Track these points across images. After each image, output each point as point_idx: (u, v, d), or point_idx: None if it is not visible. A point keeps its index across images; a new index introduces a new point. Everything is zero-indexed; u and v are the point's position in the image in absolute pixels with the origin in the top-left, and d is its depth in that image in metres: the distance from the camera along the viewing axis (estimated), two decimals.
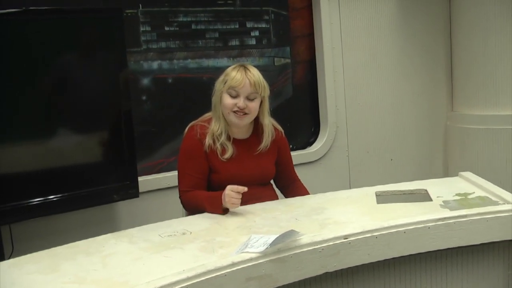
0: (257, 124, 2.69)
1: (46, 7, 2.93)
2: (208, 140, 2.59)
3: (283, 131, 2.80)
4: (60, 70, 2.93)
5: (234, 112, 2.55)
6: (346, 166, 4.23)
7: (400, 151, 4.41)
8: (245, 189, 2.39)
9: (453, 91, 4.51)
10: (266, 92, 2.63)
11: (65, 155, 2.96)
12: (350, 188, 4.08)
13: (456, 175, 2.82)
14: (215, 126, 2.60)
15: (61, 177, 2.95)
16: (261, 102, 2.63)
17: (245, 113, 2.56)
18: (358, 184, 3.66)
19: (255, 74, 2.58)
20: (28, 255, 2.09)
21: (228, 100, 2.56)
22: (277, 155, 2.76)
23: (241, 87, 2.54)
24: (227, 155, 2.60)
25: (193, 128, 2.64)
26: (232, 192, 2.39)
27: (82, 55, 3.00)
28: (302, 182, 2.90)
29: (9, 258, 2.74)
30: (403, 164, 4.42)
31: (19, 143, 2.84)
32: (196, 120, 2.69)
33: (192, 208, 2.58)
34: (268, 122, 2.67)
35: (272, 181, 2.84)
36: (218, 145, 2.59)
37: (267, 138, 2.67)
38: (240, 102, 2.54)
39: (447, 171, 4.54)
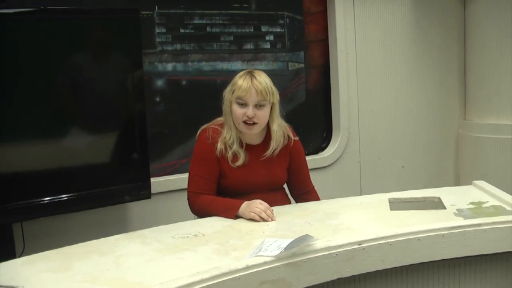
0: (269, 129, 2.65)
1: (62, 7, 2.95)
2: (220, 146, 2.57)
3: (297, 138, 2.75)
4: (75, 70, 2.94)
5: (244, 122, 2.53)
6: (357, 172, 4.22)
7: (411, 159, 4.40)
8: (274, 219, 2.39)
9: (466, 99, 4.49)
10: (275, 98, 2.58)
11: (78, 155, 2.97)
12: (361, 194, 4.07)
13: (468, 183, 2.81)
14: (227, 135, 2.58)
15: (74, 176, 2.96)
16: (271, 108, 2.59)
17: (254, 123, 2.53)
18: (369, 191, 3.64)
19: (261, 81, 2.52)
20: (41, 254, 2.09)
21: (237, 110, 2.53)
22: (289, 162, 2.73)
23: (248, 96, 2.50)
24: (239, 162, 2.59)
25: (206, 131, 2.62)
26: (264, 207, 2.38)
27: (98, 56, 3.01)
28: (314, 187, 2.88)
29: (20, 256, 2.74)
30: (415, 172, 4.40)
31: (32, 142, 2.85)
32: (209, 124, 2.67)
33: (200, 211, 2.57)
34: (277, 128, 2.62)
35: (285, 187, 2.81)
36: (230, 152, 2.57)
37: (274, 144, 2.62)
38: (249, 111, 2.51)
39: (458, 180, 4.52)
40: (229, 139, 2.57)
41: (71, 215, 3.13)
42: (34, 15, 2.77)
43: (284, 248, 1.89)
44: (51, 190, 2.88)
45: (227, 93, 2.59)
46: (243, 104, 2.52)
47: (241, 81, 2.53)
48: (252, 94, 2.50)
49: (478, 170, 4.21)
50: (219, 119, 2.67)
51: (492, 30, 4.11)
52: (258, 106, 2.52)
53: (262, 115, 2.54)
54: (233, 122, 2.57)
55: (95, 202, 3.04)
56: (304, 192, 2.81)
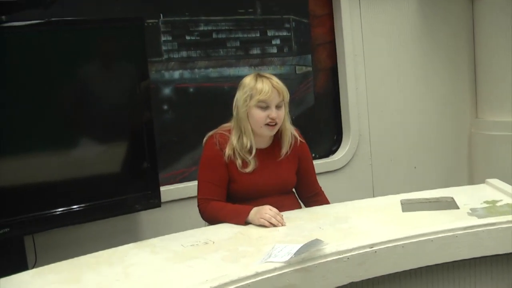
0: (277, 131, 2.64)
1: (67, 18, 2.95)
2: (228, 151, 2.56)
3: (304, 141, 2.75)
4: (82, 80, 2.94)
5: (267, 124, 2.53)
6: (369, 175, 4.18)
7: (424, 159, 4.35)
8: (285, 223, 2.36)
9: (477, 97, 4.44)
10: (288, 97, 2.61)
11: (87, 165, 2.96)
12: (373, 196, 4.03)
13: (481, 182, 2.76)
14: (240, 141, 2.56)
15: (84, 187, 2.95)
16: None
17: (276, 123, 2.55)
18: (382, 193, 3.61)
19: (278, 82, 2.56)
20: (51, 265, 2.09)
21: (260, 114, 2.52)
22: (297, 164, 2.72)
23: (272, 98, 2.51)
24: (249, 169, 2.58)
25: (213, 137, 2.61)
26: (274, 213, 2.36)
27: (104, 65, 3.01)
28: (325, 190, 2.85)
29: (32, 268, 2.74)
30: (427, 172, 4.35)
31: (41, 153, 2.85)
32: (215, 130, 2.66)
33: (211, 217, 2.56)
34: (289, 127, 2.64)
35: (294, 190, 2.80)
36: (239, 159, 2.56)
37: (287, 143, 2.63)
38: (273, 112, 2.51)
39: (472, 179, 4.46)
40: (246, 145, 2.55)
41: (82, 226, 3.13)
42: (39, 27, 2.77)
43: (294, 254, 1.87)
44: (61, 202, 2.87)
45: (243, 100, 2.55)
46: (265, 107, 2.52)
47: (260, 85, 2.52)
48: (275, 96, 2.52)
49: (492, 169, 4.15)
50: (225, 125, 2.66)
51: (501, 25, 4.06)
52: (278, 107, 2.54)
53: (282, 115, 2.57)
54: (251, 127, 2.56)
55: (105, 212, 3.02)
56: (313, 195, 2.80)
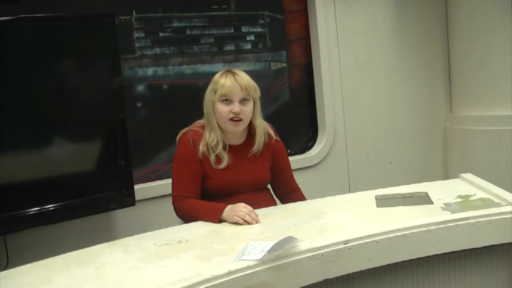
0: (251, 128, 2.65)
1: (38, 15, 2.90)
2: (202, 148, 2.56)
3: (279, 139, 2.74)
4: (54, 77, 2.90)
5: (230, 119, 2.53)
6: (345, 170, 4.18)
7: (399, 154, 4.38)
8: (259, 221, 2.34)
9: (451, 92, 4.47)
10: (257, 93, 2.60)
11: (60, 164, 2.93)
12: (349, 192, 4.03)
13: (457, 177, 2.78)
14: (210, 137, 2.57)
15: (57, 186, 2.92)
16: (253, 104, 2.60)
17: (240, 119, 2.54)
18: (358, 188, 3.61)
19: (244, 77, 2.56)
20: (21, 267, 2.05)
21: (223, 108, 2.53)
22: (271, 161, 2.72)
23: (233, 93, 2.52)
24: (222, 165, 2.58)
25: (186, 134, 2.61)
26: (248, 210, 2.35)
27: (76, 62, 2.97)
28: (301, 187, 2.85)
29: (4, 270, 2.69)
30: (403, 167, 4.38)
31: (13, 152, 2.80)
32: (188, 127, 2.66)
33: (185, 215, 2.55)
34: (260, 123, 2.64)
35: (269, 187, 2.79)
36: (212, 155, 2.56)
37: (259, 140, 2.63)
38: (235, 107, 2.52)
39: (447, 173, 4.50)
40: (213, 140, 2.56)
41: (55, 226, 3.08)
42: (8, 24, 2.72)
43: (268, 251, 1.85)
44: (35, 201, 2.83)
45: (208, 94, 2.59)
46: (228, 101, 2.53)
47: (223, 79, 2.54)
48: (237, 90, 2.52)
49: (467, 163, 4.18)
50: (199, 122, 2.66)
51: (475, 20, 4.08)
52: (243, 101, 2.54)
53: (247, 111, 2.56)
54: (217, 122, 2.56)
55: (80, 211, 3.00)
56: (289, 192, 2.79)
